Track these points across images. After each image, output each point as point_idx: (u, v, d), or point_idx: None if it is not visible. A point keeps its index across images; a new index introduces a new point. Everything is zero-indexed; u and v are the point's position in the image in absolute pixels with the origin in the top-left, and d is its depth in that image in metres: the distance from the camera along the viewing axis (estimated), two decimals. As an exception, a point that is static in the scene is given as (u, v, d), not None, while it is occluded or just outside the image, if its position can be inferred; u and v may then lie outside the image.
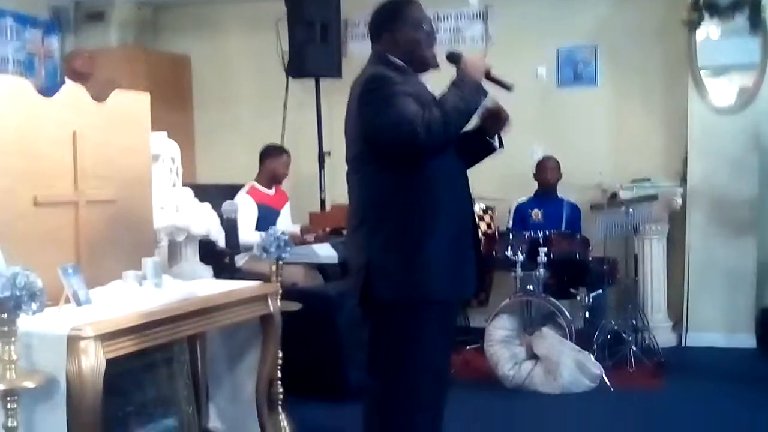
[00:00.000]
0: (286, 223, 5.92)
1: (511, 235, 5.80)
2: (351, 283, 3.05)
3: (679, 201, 6.33)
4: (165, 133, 4.51)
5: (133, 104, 3.88)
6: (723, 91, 6.33)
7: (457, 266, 2.91)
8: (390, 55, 2.97)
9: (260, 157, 5.98)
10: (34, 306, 3.00)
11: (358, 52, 7.14)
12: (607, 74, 6.85)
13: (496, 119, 3.04)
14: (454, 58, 2.94)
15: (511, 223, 6.39)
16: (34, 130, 3.32)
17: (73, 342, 2.77)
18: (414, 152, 2.78)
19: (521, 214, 6.39)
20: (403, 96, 2.77)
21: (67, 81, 5.32)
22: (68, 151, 3.47)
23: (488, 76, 2.91)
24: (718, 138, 6.25)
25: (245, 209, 5.59)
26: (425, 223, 2.84)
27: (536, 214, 6.32)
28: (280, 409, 4.12)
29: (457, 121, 2.80)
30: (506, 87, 2.95)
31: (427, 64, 3.01)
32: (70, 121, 3.49)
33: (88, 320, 2.85)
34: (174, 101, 7.51)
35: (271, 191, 5.91)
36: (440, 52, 3.02)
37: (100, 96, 3.71)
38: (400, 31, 2.96)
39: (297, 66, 6.78)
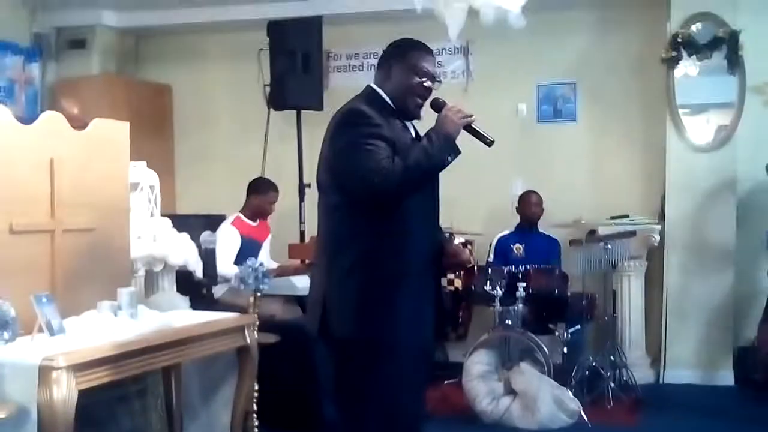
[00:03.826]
0: (265, 258, 5.90)
1: (490, 269, 5.79)
2: (309, 312, 3.02)
3: (657, 238, 6.35)
4: (144, 163, 4.50)
5: (112, 132, 3.87)
6: (701, 129, 6.40)
7: (414, 312, 2.85)
8: (381, 88, 2.95)
9: (248, 189, 5.96)
10: (6, 335, 2.98)
11: (339, 84, 7.17)
12: (587, 110, 6.91)
13: (454, 264, 3.13)
14: (436, 106, 2.93)
15: (492, 257, 6.39)
16: (11, 156, 3.30)
17: (45, 372, 2.73)
18: (369, 200, 2.75)
19: (502, 248, 6.38)
20: (373, 140, 2.74)
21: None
22: (45, 179, 3.45)
23: (469, 129, 2.87)
24: (696, 176, 6.29)
25: (228, 240, 5.57)
26: (386, 263, 2.81)
27: (518, 248, 6.32)
28: (255, 443, 4.08)
29: (417, 177, 2.76)
30: (486, 141, 2.89)
31: (409, 113, 2.96)
32: (48, 149, 3.47)
33: (60, 350, 2.82)
34: (155, 131, 7.49)
35: (255, 223, 5.89)
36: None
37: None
38: (397, 69, 2.93)
39: (278, 97, 6.78)
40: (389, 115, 2.88)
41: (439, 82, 3.00)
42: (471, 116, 2.87)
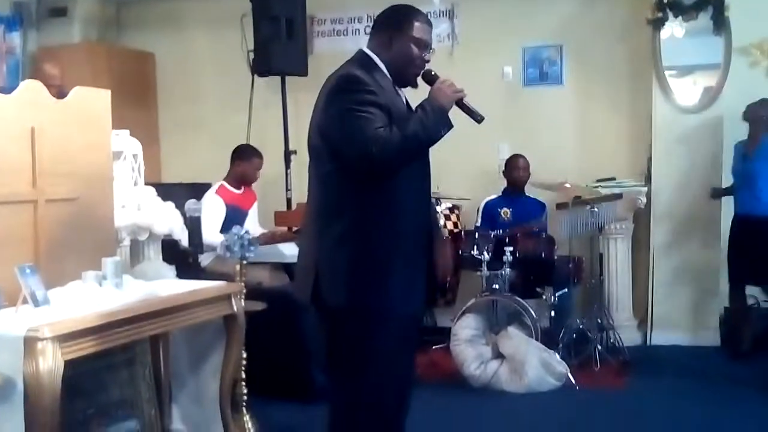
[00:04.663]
0: (253, 225, 5.88)
1: (477, 233, 5.80)
2: (298, 279, 3.02)
3: (644, 200, 6.36)
4: (127, 131, 4.46)
5: (93, 101, 3.83)
6: (687, 90, 6.39)
7: (406, 280, 2.85)
8: (377, 54, 2.92)
9: (231, 157, 5.92)
10: (-11, 307, 2.96)
11: (324, 49, 7.12)
12: (573, 73, 6.87)
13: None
14: (429, 78, 2.91)
15: (479, 221, 6.38)
16: (-10, 126, 3.26)
17: (30, 343, 2.72)
18: (365, 169, 2.73)
19: (490, 212, 6.38)
20: (369, 107, 2.72)
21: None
22: (27, 148, 3.42)
23: (460, 104, 2.86)
24: (683, 137, 6.29)
25: (213, 209, 5.54)
26: (379, 231, 2.80)
27: (505, 212, 6.31)
28: (244, 410, 4.10)
29: (414, 148, 2.76)
30: (476, 118, 2.89)
31: (406, 82, 2.95)
32: (29, 118, 3.43)
33: (45, 321, 2.81)
34: (138, 99, 7.43)
35: (240, 190, 5.86)
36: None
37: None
38: (397, 37, 2.89)
39: (262, 63, 6.72)
40: (384, 81, 2.86)
41: (433, 50, 2.98)
42: (463, 91, 2.85)
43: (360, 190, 2.80)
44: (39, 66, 6.07)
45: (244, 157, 5.87)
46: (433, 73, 2.93)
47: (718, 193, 6.06)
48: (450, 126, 2.79)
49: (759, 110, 5.72)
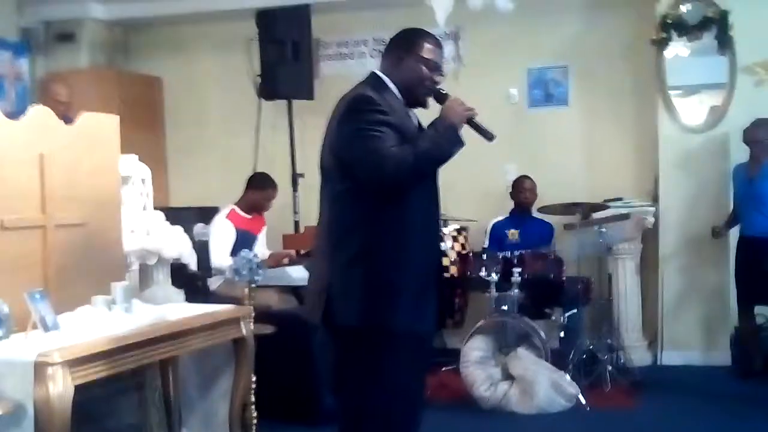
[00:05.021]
0: (262, 249, 5.89)
1: (485, 255, 5.79)
2: (310, 300, 3.02)
3: (652, 220, 6.35)
4: (135, 156, 4.46)
5: (102, 126, 3.84)
6: (693, 110, 6.39)
7: (418, 301, 2.86)
8: (388, 76, 2.94)
9: (247, 183, 5.94)
10: (0, 332, 2.96)
11: (330, 73, 7.13)
12: (578, 94, 6.89)
13: None
14: (440, 97, 2.93)
15: (487, 242, 6.39)
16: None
17: (40, 368, 2.72)
18: (378, 187, 2.75)
19: (497, 233, 6.38)
20: (382, 126, 2.74)
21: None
22: (35, 174, 3.42)
23: (471, 122, 2.88)
24: (689, 157, 6.29)
25: (223, 233, 5.56)
26: (390, 251, 2.80)
27: (512, 234, 6.32)
28: (253, 435, 4.08)
29: (426, 166, 2.79)
30: (487, 136, 2.91)
31: (417, 102, 2.98)
32: (38, 143, 3.44)
33: (55, 346, 2.81)
34: (146, 123, 7.45)
35: (249, 216, 5.87)
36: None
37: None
38: (407, 58, 2.92)
39: (269, 87, 6.76)
40: (394, 102, 2.88)
41: (444, 75, 3.00)
42: (473, 110, 2.87)
43: (372, 210, 2.81)
44: (46, 85, 6.10)
45: (260, 187, 5.88)
46: (444, 92, 2.95)
47: (719, 233, 6.02)
48: (462, 144, 2.81)
49: (756, 132, 5.72)
